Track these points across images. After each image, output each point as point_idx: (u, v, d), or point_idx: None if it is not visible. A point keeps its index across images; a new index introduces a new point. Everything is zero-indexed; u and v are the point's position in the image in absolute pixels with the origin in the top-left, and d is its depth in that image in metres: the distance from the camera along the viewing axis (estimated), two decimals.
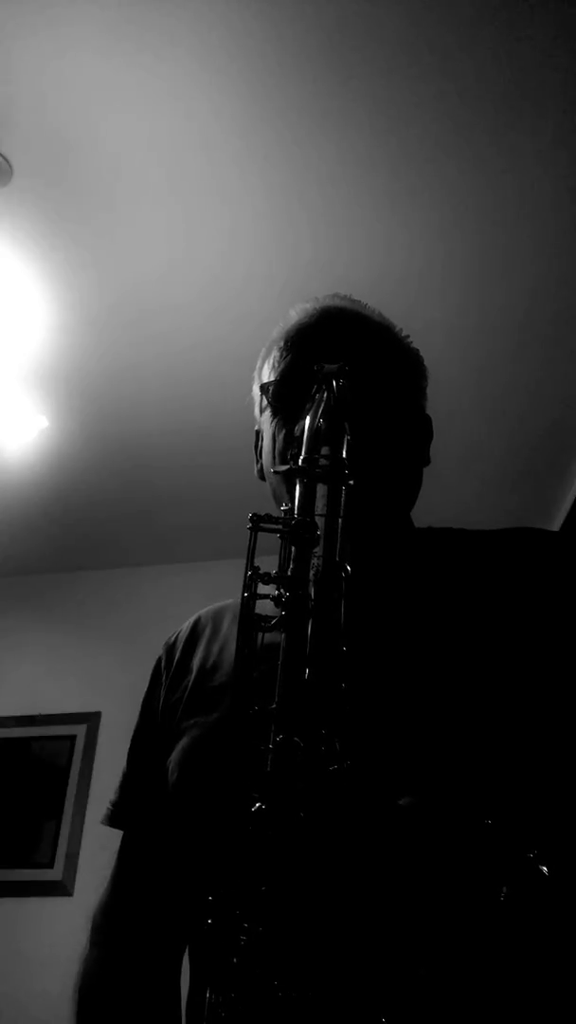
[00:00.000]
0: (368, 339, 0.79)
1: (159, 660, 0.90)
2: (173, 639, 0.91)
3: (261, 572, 0.55)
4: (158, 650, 0.93)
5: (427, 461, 0.85)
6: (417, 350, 0.87)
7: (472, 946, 0.49)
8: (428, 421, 0.86)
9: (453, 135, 1.78)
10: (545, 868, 0.48)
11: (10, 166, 1.83)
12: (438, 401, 2.85)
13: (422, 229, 1.99)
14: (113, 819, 0.86)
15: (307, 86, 1.69)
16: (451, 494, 2.80)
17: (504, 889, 0.48)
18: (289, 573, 0.53)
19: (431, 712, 0.62)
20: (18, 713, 3.02)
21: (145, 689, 0.90)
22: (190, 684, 0.82)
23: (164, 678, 0.87)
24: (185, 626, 0.91)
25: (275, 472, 0.72)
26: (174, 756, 0.77)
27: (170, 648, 0.90)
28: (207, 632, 0.87)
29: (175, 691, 0.84)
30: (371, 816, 0.50)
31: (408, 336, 0.87)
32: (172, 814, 0.76)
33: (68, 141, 1.80)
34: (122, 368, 2.41)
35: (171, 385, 2.45)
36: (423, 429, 0.85)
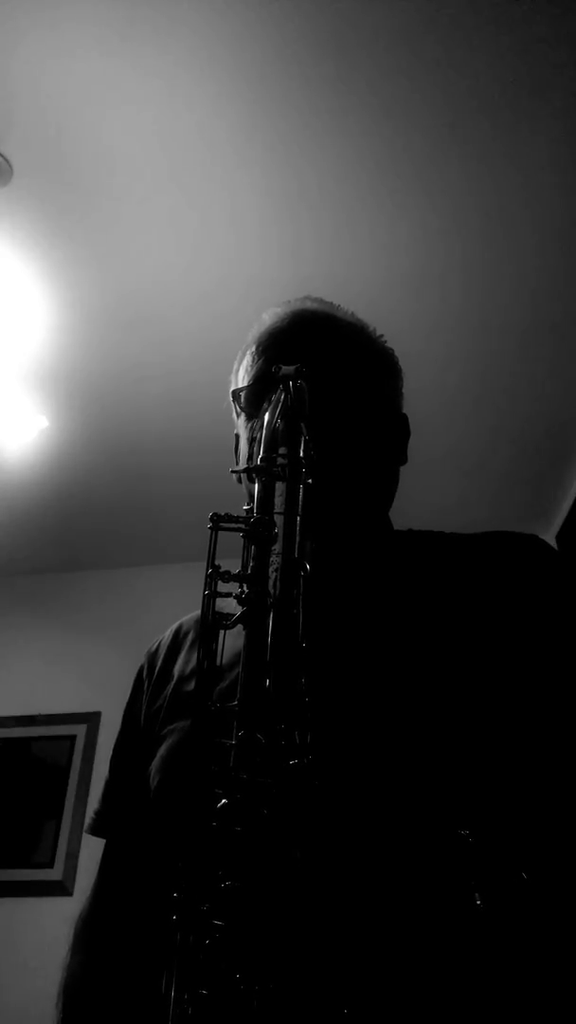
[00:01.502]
0: (336, 340, 0.79)
1: (141, 668, 0.90)
2: (155, 647, 0.91)
3: (222, 571, 0.56)
4: (149, 644, 0.93)
5: (403, 460, 0.85)
6: (391, 350, 0.87)
7: (439, 928, 0.49)
8: (404, 420, 0.86)
9: (456, 133, 1.78)
10: (523, 872, 0.49)
11: (10, 166, 1.83)
12: (439, 402, 2.84)
13: (425, 229, 1.99)
14: (96, 828, 0.87)
15: (309, 84, 1.69)
16: (451, 493, 2.80)
17: (477, 879, 0.48)
18: (249, 571, 0.54)
19: (392, 705, 0.63)
20: (18, 713, 3.03)
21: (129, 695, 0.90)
22: (170, 691, 0.82)
23: (146, 686, 0.87)
24: (167, 633, 0.91)
25: (233, 472, 0.73)
26: (155, 762, 0.77)
27: (152, 655, 0.90)
28: (189, 639, 0.87)
29: (157, 698, 0.84)
30: (334, 809, 0.51)
31: (383, 336, 0.87)
32: (153, 820, 0.76)
33: (68, 140, 1.80)
34: (122, 368, 2.41)
35: (172, 386, 2.45)
36: (398, 428, 0.85)
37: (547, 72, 1.65)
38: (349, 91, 1.70)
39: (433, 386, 2.33)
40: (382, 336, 0.87)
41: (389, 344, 0.88)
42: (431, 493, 2.72)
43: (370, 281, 2.12)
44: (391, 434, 0.83)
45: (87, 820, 0.88)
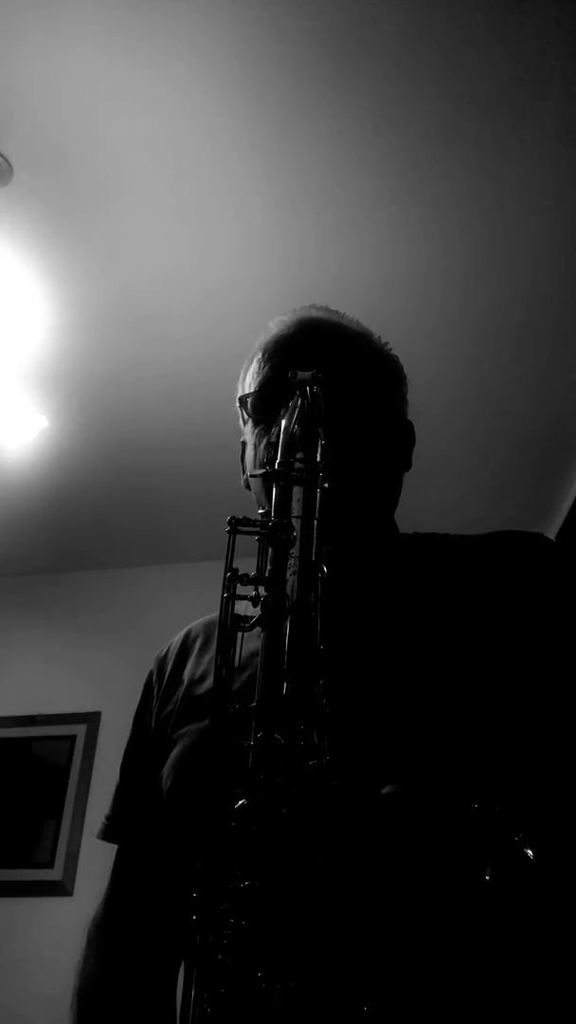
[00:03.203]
0: (344, 348, 0.80)
1: (150, 674, 0.91)
2: (164, 652, 0.91)
3: (240, 573, 0.56)
4: (158, 650, 0.93)
5: (408, 466, 0.86)
6: (396, 357, 0.88)
7: (458, 929, 0.49)
8: (409, 427, 0.87)
9: (456, 136, 1.78)
10: (530, 851, 0.49)
11: (10, 166, 1.83)
12: (439, 402, 2.84)
13: (426, 229, 1.99)
14: (107, 833, 0.87)
15: (311, 85, 1.69)
16: (451, 494, 2.80)
17: (488, 871, 0.48)
18: (267, 574, 0.54)
19: (408, 705, 0.64)
20: (18, 713, 3.02)
21: (138, 700, 0.91)
22: (181, 695, 0.83)
23: (156, 691, 0.88)
24: (176, 639, 0.92)
25: (252, 476, 0.73)
26: (167, 765, 0.77)
27: (161, 661, 0.90)
28: (198, 643, 0.88)
29: (167, 703, 0.84)
30: (353, 806, 0.51)
31: (388, 344, 0.88)
32: (166, 822, 0.76)
33: (68, 140, 1.80)
34: (123, 368, 2.41)
35: (172, 386, 2.45)
36: (403, 434, 0.86)
37: (546, 74, 1.66)
38: (351, 92, 1.70)
39: (433, 386, 2.33)
40: (387, 344, 0.88)
41: (392, 349, 0.88)
42: (431, 493, 2.71)
43: (371, 282, 2.12)
44: (398, 440, 0.84)
45: (97, 826, 0.88)
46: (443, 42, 1.61)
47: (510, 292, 2.15)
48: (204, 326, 2.24)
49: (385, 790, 0.52)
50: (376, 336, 0.87)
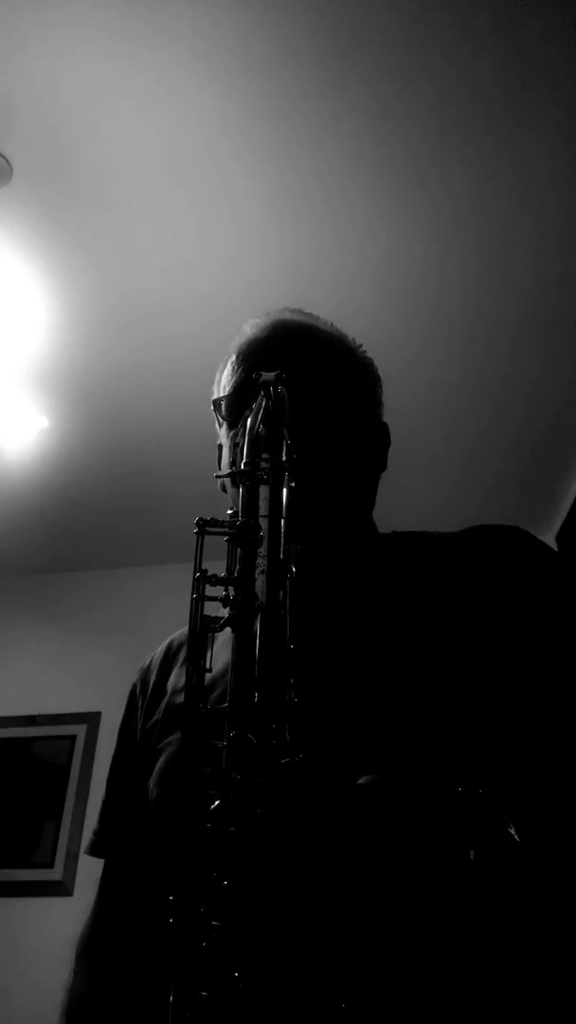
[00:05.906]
0: (315, 349, 0.80)
1: (134, 686, 0.90)
2: (147, 663, 0.91)
3: (209, 574, 0.56)
4: (141, 661, 0.93)
5: (383, 466, 0.86)
6: (371, 360, 0.88)
7: (442, 911, 0.49)
8: (384, 428, 0.87)
9: (454, 135, 1.78)
10: (514, 831, 0.49)
11: (10, 166, 1.83)
12: (438, 402, 2.83)
13: (423, 229, 1.99)
14: (95, 848, 0.86)
15: (309, 85, 1.69)
16: (451, 495, 2.80)
17: (472, 852, 0.48)
18: (236, 574, 0.54)
19: (379, 700, 0.63)
20: (18, 713, 3.03)
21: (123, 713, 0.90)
22: (165, 705, 0.82)
23: (140, 702, 0.87)
24: (158, 651, 0.91)
25: (218, 477, 0.74)
26: (153, 776, 0.77)
27: (144, 673, 0.90)
28: (181, 654, 0.87)
29: (152, 714, 0.84)
30: (327, 801, 0.51)
31: (362, 347, 0.88)
32: (152, 833, 0.75)
33: (68, 141, 1.80)
34: (122, 368, 2.41)
35: (171, 386, 2.45)
36: (377, 435, 0.86)
37: (545, 74, 1.66)
38: (349, 93, 1.71)
39: (432, 385, 2.33)
40: (361, 346, 0.88)
41: (367, 352, 0.88)
42: (431, 493, 2.72)
43: (369, 281, 2.12)
44: (370, 441, 0.84)
45: (85, 840, 0.87)
46: (443, 42, 1.61)
47: (507, 293, 2.15)
48: (204, 325, 2.24)
49: (362, 780, 0.52)
50: (351, 339, 0.87)
